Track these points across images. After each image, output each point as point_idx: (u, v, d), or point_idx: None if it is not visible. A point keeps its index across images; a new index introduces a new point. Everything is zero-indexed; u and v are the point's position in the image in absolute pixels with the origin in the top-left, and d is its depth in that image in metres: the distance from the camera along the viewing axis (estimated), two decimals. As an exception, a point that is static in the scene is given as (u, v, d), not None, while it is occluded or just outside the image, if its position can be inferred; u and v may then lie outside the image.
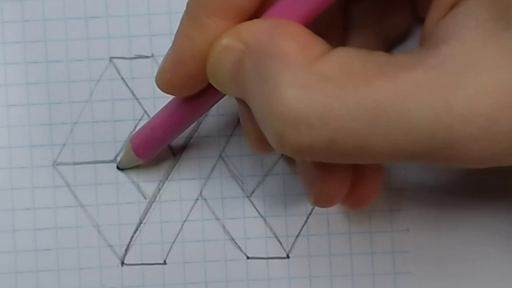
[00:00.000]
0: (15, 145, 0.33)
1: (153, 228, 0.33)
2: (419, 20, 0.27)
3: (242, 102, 0.26)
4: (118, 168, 0.33)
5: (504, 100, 0.22)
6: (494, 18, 0.23)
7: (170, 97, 0.30)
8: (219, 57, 0.26)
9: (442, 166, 0.28)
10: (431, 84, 0.23)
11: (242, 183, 0.33)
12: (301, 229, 0.33)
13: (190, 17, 0.27)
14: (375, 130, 0.23)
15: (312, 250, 0.33)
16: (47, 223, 0.33)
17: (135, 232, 0.33)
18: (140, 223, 0.33)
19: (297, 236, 0.33)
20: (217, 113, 0.33)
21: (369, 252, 0.33)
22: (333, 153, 0.24)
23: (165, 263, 0.33)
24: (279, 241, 0.33)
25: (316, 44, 0.24)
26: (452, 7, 0.24)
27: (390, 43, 0.31)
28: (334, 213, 0.33)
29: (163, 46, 0.33)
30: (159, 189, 0.33)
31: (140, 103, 0.33)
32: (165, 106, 0.30)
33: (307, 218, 0.33)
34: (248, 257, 0.33)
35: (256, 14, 0.26)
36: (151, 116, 0.32)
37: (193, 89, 0.28)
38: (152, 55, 0.33)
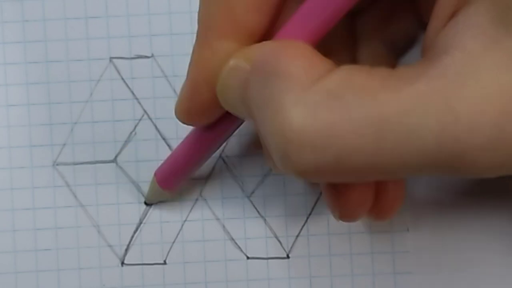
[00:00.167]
0: (15, 145, 0.33)
1: (153, 228, 0.33)
2: (424, 26, 0.26)
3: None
4: (145, 203, 0.33)
5: (508, 107, 0.22)
6: (494, 24, 0.23)
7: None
8: (227, 77, 0.26)
9: (451, 177, 0.28)
10: (433, 95, 0.22)
11: (242, 183, 0.33)
12: (301, 229, 0.33)
13: (201, 42, 0.27)
14: (381, 146, 0.23)
15: (312, 250, 0.33)
16: (47, 223, 0.33)
17: (135, 232, 0.33)
18: (140, 223, 0.33)
19: (297, 236, 0.33)
20: (217, 113, 0.33)
21: (369, 252, 0.33)
22: (340, 172, 0.23)
23: (165, 263, 0.33)
24: (279, 241, 0.33)
25: (322, 63, 0.24)
26: (453, 14, 0.24)
27: (399, 51, 0.31)
28: (334, 213, 0.33)
29: (163, 46, 0.33)
30: (159, 189, 0.33)
31: (140, 103, 0.33)
32: (187, 136, 0.30)
33: (307, 218, 0.33)
34: (248, 257, 0.33)
35: (267, 35, 0.26)
36: (151, 115, 0.32)
37: (211, 116, 0.28)
38: (152, 55, 0.33)
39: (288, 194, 0.33)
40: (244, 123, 0.29)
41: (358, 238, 0.33)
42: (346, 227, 0.33)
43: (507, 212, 0.33)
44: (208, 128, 0.29)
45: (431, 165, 0.23)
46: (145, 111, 0.33)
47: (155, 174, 0.32)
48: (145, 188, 0.33)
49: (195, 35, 0.27)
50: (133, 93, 0.33)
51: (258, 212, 0.33)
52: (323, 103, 0.23)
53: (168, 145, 0.33)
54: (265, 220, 0.33)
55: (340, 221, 0.29)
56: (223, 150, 0.33)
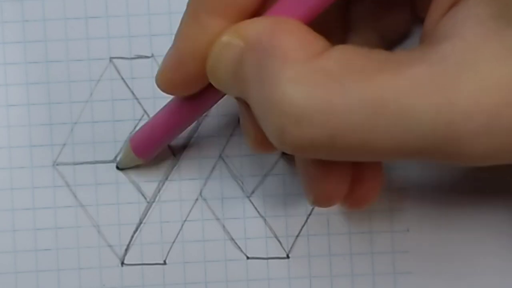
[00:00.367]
0: (15, 145, 0.33)
1: (153, 228, 0.33)
2: (418, 20, 0.27)
3: (242, 101, 0.26)
4: (117, 167, 0.33)
5: (506, 97, 0.22)
6: (494, 15, 0.23)
7: (170, 97, 0.30)
8: (219, 54, 0.26)
9: (443, 163, 0.28)
10: (432, 80, 0.23)
11: (242, 183, 0.33)
12: (301, 229, 0.33)
13: (191, 16, 0.27)
14: (376, 126, 0.23)
15: (312, 250, 0.33)
16: (47, 223, 0.33)
17: (135, 232, 0.33)
18: (140, 223, 0.33)
19: (297, 236, 0.33)
20: (217, 113, 0.33)
21: (369, 252, 0.33)
22: (334, 149, 0.24)
23: (165, 263, 0.33)
24: (279, 241, 0.33)
25: (317, 41, 0.24)
26: (453, 5, 0.24)
27: (390, 43, 0.31)
28: (334, 213, 0.33)
29: (163, 46, 0.33)
30: (159, 189, 0.33)
31: (140, 103, 0.33)
32: (165, 106, 0.30)
33: (307, 218, 0.33)
34: (248, 257, 0.33)
35: (257, 13, 0.26)
36: (151, 115, 0.32)
37: (194, 88, 0.28)
38: (152, 55, 0.33)
39: (288, 194, 0.33)
40: (225, 95, 0.29)
41: (358, 238, 0.33)
42: (346, 227, 0.33)
43: (507, 212, 0.33)
44: (189, 99, 0.29)
45: (425, 149, 0.23)
46: (145, 111, 0.33)
47: (130, 140, 0.32)
48: (145, 188, 0.33)
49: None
50: (133, 93, 0.33)
51: (258, 212, 0.33)
52: (321, 82, 0.23)
53: (168, 145, 0.33)
54: (265, 220, 0.33)
55: (316, 207, 0.29)
56: (223, 150, 0.33)
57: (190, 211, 0.33)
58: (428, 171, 0.33)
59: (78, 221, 0.33)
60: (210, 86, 0.27)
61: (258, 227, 0.33)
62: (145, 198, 0.33)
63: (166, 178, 0.33)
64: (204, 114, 0.33)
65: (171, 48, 0.27)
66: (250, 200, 0.33)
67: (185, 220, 0.33)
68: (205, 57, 0.26)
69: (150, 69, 0.33)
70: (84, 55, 0.33)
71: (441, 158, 0.24)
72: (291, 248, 0.33)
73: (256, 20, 0.26)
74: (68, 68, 0.33)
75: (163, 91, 0.28)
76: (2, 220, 0.33)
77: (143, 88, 0.33)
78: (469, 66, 0.23)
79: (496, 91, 0.22)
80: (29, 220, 0.33)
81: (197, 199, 0.33)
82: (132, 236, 0.33)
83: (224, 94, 0.28)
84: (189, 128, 0.33)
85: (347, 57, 0.24)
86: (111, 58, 0.33)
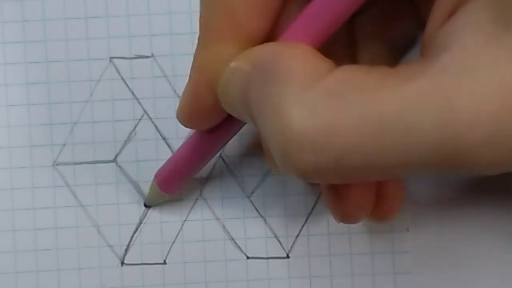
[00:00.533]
0: (15, 145, 0.33)
1: (153, 228, 0.33)
2: (424, 25, 0.26)
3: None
4: (145, 205, 0.33)
5: (508, 103, 0.22)
6: (494, 20, 0.23)
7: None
8: (228, 80, 0.26)
9: (452, 174, 0.28)
10: (433, 93, 0.22)
11: (242, 183, 0.33)
12: (301, 229, 0.33)
13: (202, 46, 0.27)
14: (381, 145, 0.22)
15: (312, 250, 0.33)
16: (47, 223, 0.33)
17: (135, 232, 0.33)
18: (140, 223, 0.33)
19: (297, 236, 0.33)
20: (217, 113, 0.33)
21: (369, 252, 0.33)
22: (340, 172, 0.23)
23: (165, 263, 0.33)
24: (279, 241, 0.33)
25: (322, 64, 0.24)
26: (451, 14, 0.24)
27: (399, 51, 0.31)
28: (334, 213, 0.33)
29: (163, 46, 0.33)
30: (159, 189, 0.33)
31: (140, 103, 0.33)
32: (188, 139, 0.30)
33: (307, 218, 0.33)
34: (248, 257, 0.33)
35: (267, 39, 0.26)
36: (151, 116, 0.32)
37: (213, 120, 0.28)
38: (152, 55, 0.33)
39: (288, 194, 0.33)
40: (245, 124, 0.29)
41: (358, 238, 0.33)
42: (346, 227, 0.33)
43: (507, 212, 0.33)
44: (210, 131, 0.29)
45: (431, 163, 0.23)
46: (145, 111, 0.33)
47: (155, 177, 0.32)
48: (145, 188, 0.33)
49: (195, 35, 0.27)
50: (133, 93, 0.33)
51: (258, 212, 0.33)
52: (322, 102, 0.23)
53: (168, 145, 0.33)
54: (265, 220, 0.33)
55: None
56: (223, 150, 0.33)
57: (190, 211, 0.33)
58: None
59: (78, 221, 0.33)
60: (229, 116, 0.27)
61: (258, 227, 0.33)
62: (145, 198, 0.33)
63: (166, 178, 0.33)
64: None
65: (188, 82, 0.27)
66: (250, 200, 0.33)
67: (185, 220, 0.33)
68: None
69: (150, 69, 0.33)
70: (84, 55, 0.33)
71: (449, 169, 0.23)
72: (291, 248, 0.33)
73: (264, 45, 0.25)
74: (68, 68, 0.33)
75: (184, 126, 0.28)
76: (2, 220, 0.33)
77: (143, 88, 0.33)
78: (469, 72, 0.22)
79: (497, 97, 0.22)
80: (29, 220, 0.33)
81: (197, 199, 0.33)
82: (132, 236, 0.33)
83: (244, 124, 0.28)
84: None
85: (348, 75, 0.23)
86: (111, 58, 0.33)
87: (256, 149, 0.33)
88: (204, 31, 0.27)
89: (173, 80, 0.33)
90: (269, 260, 0.33)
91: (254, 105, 0.24)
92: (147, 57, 0.33)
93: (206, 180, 0.33)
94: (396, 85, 0.23)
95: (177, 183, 0.32)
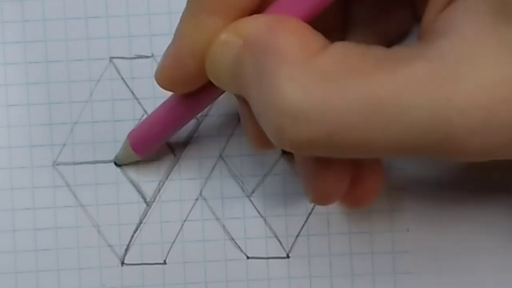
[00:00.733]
0: (15, 145, 0.33)
1: (153, 228, 0.33)
2: (418, 19, 0.27)
3: (241, 99, 0.27)
4: (115, 163, 0.33)
5: (503, 93, 0.22)
6: (493, 11, 0.23)
7: (169, 95, 0.30)
8: (218, 52, 0.26)
9: (441, 160, 0.28)
10: (430, 78, 0.23)
11: (242, 183, 0.33)
12: (301, 229, 0.33)
13: (190, 15, 0.27)
14: (374, 125, 0.23)
15: (312, 250, 0.33)
16: (47, 223, 0.33)
17: (135, 232, 0.33)
18: (140, 223, 0.33)
19: (297, 236, 0.33)
20: (217, 113, 0.33)
21: (369, 252, 0.33)
22: (332, 147, 0.24)
23: (165, 263, 0.33)
24: (279, 241, 0.33)
25: (315, 39, 0.24)
26: (451, 1, 0.24)
27: (389, 42, 0.31)
28: (334, 213, 0.33)
29: (163, 46, 0.33)
30: (159, 189, 0.33)
31: (140, 103, 0.33)
32: (164, 102, 0.30)
33: (307, 218, 0.33)
34: (248, 257, 0.33)
35: (256, 11, 0.26)
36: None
37: (193, 86, 0.28)
38: (152, 55, 0.33)
39: (288, 194, 0.33)
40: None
41: (358, 238, 0.33)
42: (346, 227, 0.33)
43: (507, 212, 0.33)
44: (188, 96, 0.29)
45: (423, 146, 0.23)
46: (145, 111, 0.33)
47: (128, 137, 0.32)
48: (145, 188, 0.33)
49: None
50: (133, 93, 0.33)
51: (258, 212, 0.33)
52: (318, 81, 0.23)
53: (168, 145, 0.33)
54: (265, 220, 0.33)
55: (316, 205, 0.29)
56: (223, 150, 0.33)
57: (190, 211, 0.33)
58: (428, 172, 0.33)
59: (78, 221, 0.33)
60: (209, 83, 0.27)
61: (258, 227, 0.33)
62: (145, 198, 0.33)
63: (166, 178, 0.33)
64: (203, 113, 0.32)
65: (170, 45, 0.27)
66: (250, 200, 0.33)
67: (185, 220, 0.33)
68: (204, 56, 0.26)
69: (150, 69, 0.33)
70: (84, 55, 0.33)
71: (439, 155, 0.24)
72: (291, 248, 0.33)
73: (255, 17, 0.26)
74: (68, 68, 0.33)
75: (162, 88, 0.28)
76: (2, 220, 0.33)
77: (143, 88, 0.33)
78: (466, 63, 0.23)
79: (492, 88, 0.22)
80: (29, 220, 0.33)
81: (197, 199, 0.33)
82: (132, 236, 0.33)
83: (223, 91, 0.28)
84: (189, 128, 0.33)
85: (344, 55, 0.24)
86: (111, 58, 0.33)
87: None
88: (193, 0, 0.27)
89: (173, 80, 0.33)
90: (269, 260, 0.33)
91: (245, 81, 0.25)
92: (147, 57, 0.33)
93: (206, 180, 0.33)
94: (393, 68, 0.23)
95: (150, 145, 0.32)
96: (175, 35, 0.27)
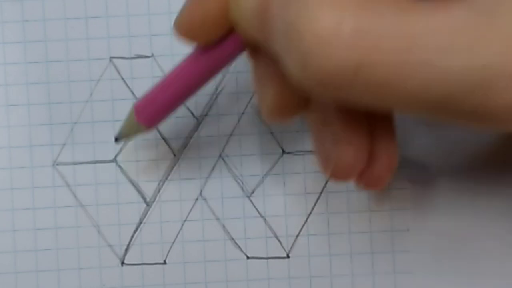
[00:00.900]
0: (15, 145, 0.33)
1: (153, 228, 0.33)
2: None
3: (259, 56, 0.26)
4: (116, 139, 0.31)
5: None
6: None
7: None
8: None
9: (464, 121, 0.26)
10: (469, 21, 0.22)
11: (242, 183, 0.33)
12: (301, 229, 0.33)
13: None
14: (406, 64, 0.22)
15: (312, 250, 0.33)
16: (47, 223, 0.33)
17: (135, 232, 0.33)
18: (140, 223, 0.33)
19: (297, 236, 0.33)
20: (217, 113, 0.33)
21: (369, 252, 0.33)
22: (357, 84, 0.22)
23: (165, 263, 0.33)
24: (279, 241, 0.33)
25: None
26: None
27: None
28: (334, 213, 0.33)
29: (163, 46, 0.33)
30: (159, 189, 0.33)
31: (140, 103, 0.33)
32: (174, 68, 0.29)
33: (307, 218, 0.33)
34: (248, 257, 0.33)
35: None
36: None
37: (212, 34, 0.27)
38: (152, 55, 0.33)
39: (288, 194, 0.33)
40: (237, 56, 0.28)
41: (358, 238, 0.33)
42: (346, 227, 0.33)
43: (507, 212, 0.33)
44: (204, 52, 0.27)
45: (452, 96, 0.22)
46: (145, 111, 0.33)
47: (134, 105, 0.30)
48: (145, 188, 0.33)
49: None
50: (133, 93, 0.33)
51: (258, 212, 0.33)
52: (352, 10, 0.22)
53: (169, 145, 0.33)
54: (265, 220, 0.33)
55: (333, 182, 0.29)
56: (223, 150, 0.33)
57: (190, 211, 0.33)
58: (428, 171, 0.33)
59: (78, 221, 0.33)
60: (228, 35, 0.26)
61: (258, 227, 0.33)
62: (145, 198, 0.33)
63: (166, 178, 0.33)
64: (202, 113, 0.32)
65: None
66: (250, 200, 0.33)
67: (185, 220, 0.33)
68: None
69: (150, 69, 0.33)
70: (84, 55, 0.33)
71: (466, 110, 0.22)
72: (291, 248, 0.33)
73: None
74: (68, 68, 0.33)
75: (181, 34, 0.27)
76: (2, 220, 0.33)
77: (143, 88, 0.33)
78: (508, 6, 0.22)
79: None
80: (29, 220, 0.33)
81: (197, 199, 0.33)
82: (132, 236, 0.33)
83: (241, 50, 0.27)
84: (189, 128, 0.33)
85: None
86: (111, 58, 0.33)
87: (256, 149, 0.33)
88: None
89: (173, 80, 0.33)
90: (269, 260, 0.33)
91: (271, 8, 0.24)
92: (147, 57, 0.33)
93: (206, 180, 0.33)
94: (432, 8, 0.22)
95: (158, 114, 0.29)
96: None
